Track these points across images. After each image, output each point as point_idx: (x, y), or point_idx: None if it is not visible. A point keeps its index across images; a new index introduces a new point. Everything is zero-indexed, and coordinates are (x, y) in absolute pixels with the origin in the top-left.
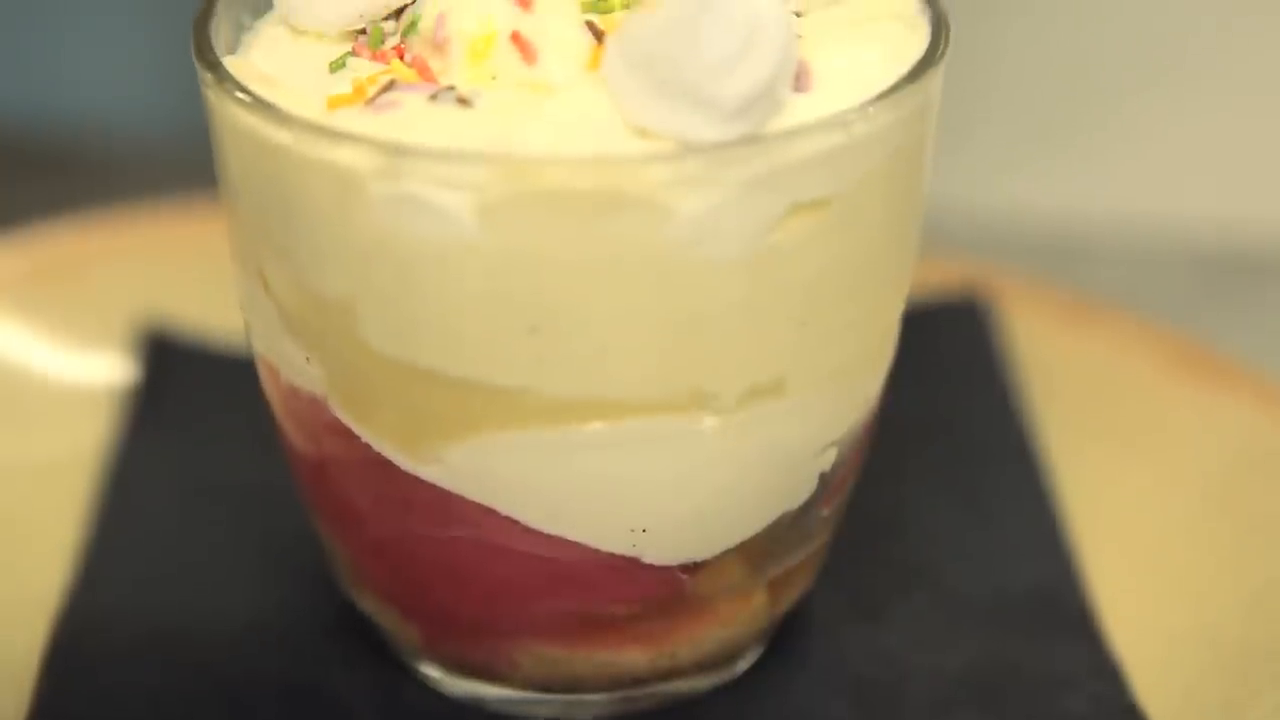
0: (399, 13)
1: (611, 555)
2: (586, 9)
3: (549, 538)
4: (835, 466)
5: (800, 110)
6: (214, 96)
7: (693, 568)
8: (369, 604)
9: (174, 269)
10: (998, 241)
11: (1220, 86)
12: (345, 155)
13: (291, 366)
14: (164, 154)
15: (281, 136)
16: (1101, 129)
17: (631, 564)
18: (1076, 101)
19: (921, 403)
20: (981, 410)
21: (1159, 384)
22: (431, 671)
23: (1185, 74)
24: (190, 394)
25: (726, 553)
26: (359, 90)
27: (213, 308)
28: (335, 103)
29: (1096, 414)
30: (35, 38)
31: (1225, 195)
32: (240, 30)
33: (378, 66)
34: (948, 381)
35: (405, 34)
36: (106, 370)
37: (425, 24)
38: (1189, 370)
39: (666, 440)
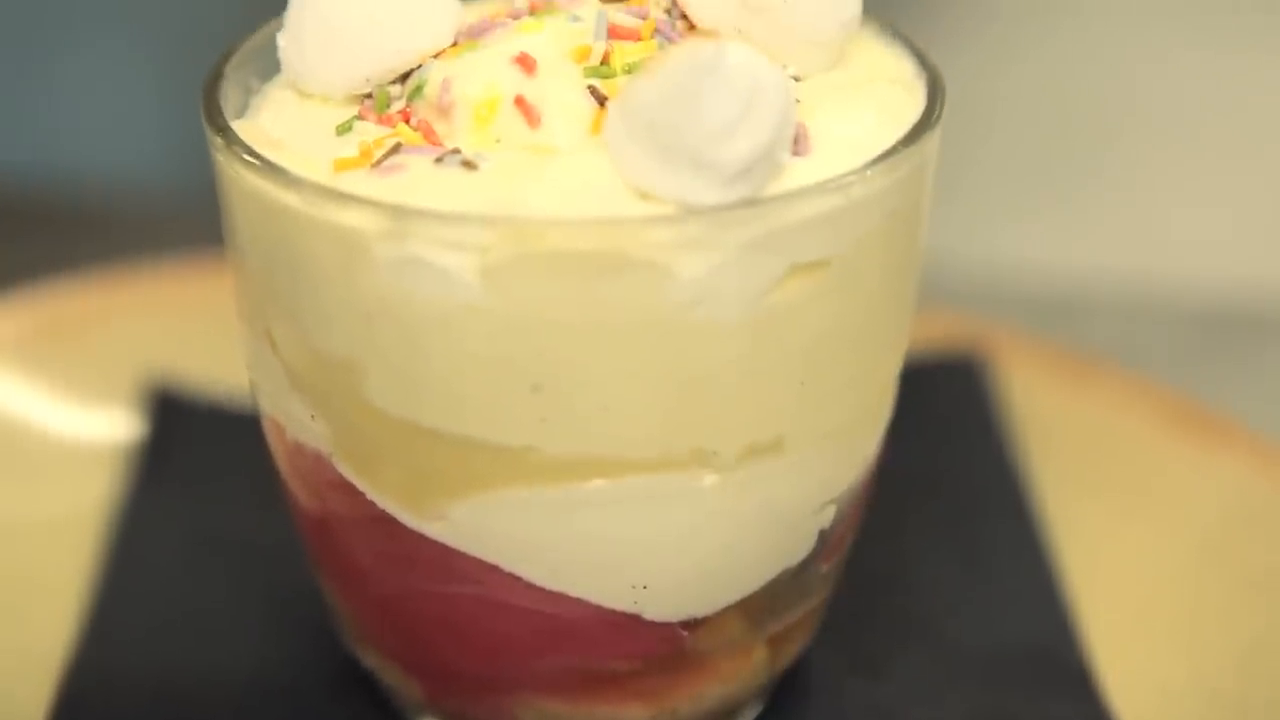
0: (405, 77)
1: (613, 612)
2: (589, 74)
3: (551, 594)
4: (834, 523)
5: (799, 173)
6: (223, 159)
7: (693, 624)
8: (372, 659)
9: (179, 325)
10: (995, 296)
11: (1218, 145)
12: (351, 217)
13: (297, 424)
14: (168, 211)
15: (289, 199)
16: (1099, 186)
17: (633, 620)
18: (1074, 158)
19: (920, 459)
20: (979, 466)
21: (1154, 440)
22: None
23: (1182, 132)
24: (195, 450)
25: (727, 609)
26: (365, 153)
27: (217, 363)
28: (342, 165)
29: (1092, 469)
30: (40, 95)
31: (1221, 252)
32: (248, 93)
33: (384, 130)
34: (945, 438)
35: (411, 98)
36: (113, 426)
37: (430, 88)
38: (1184, 427)
39: (667, 498)
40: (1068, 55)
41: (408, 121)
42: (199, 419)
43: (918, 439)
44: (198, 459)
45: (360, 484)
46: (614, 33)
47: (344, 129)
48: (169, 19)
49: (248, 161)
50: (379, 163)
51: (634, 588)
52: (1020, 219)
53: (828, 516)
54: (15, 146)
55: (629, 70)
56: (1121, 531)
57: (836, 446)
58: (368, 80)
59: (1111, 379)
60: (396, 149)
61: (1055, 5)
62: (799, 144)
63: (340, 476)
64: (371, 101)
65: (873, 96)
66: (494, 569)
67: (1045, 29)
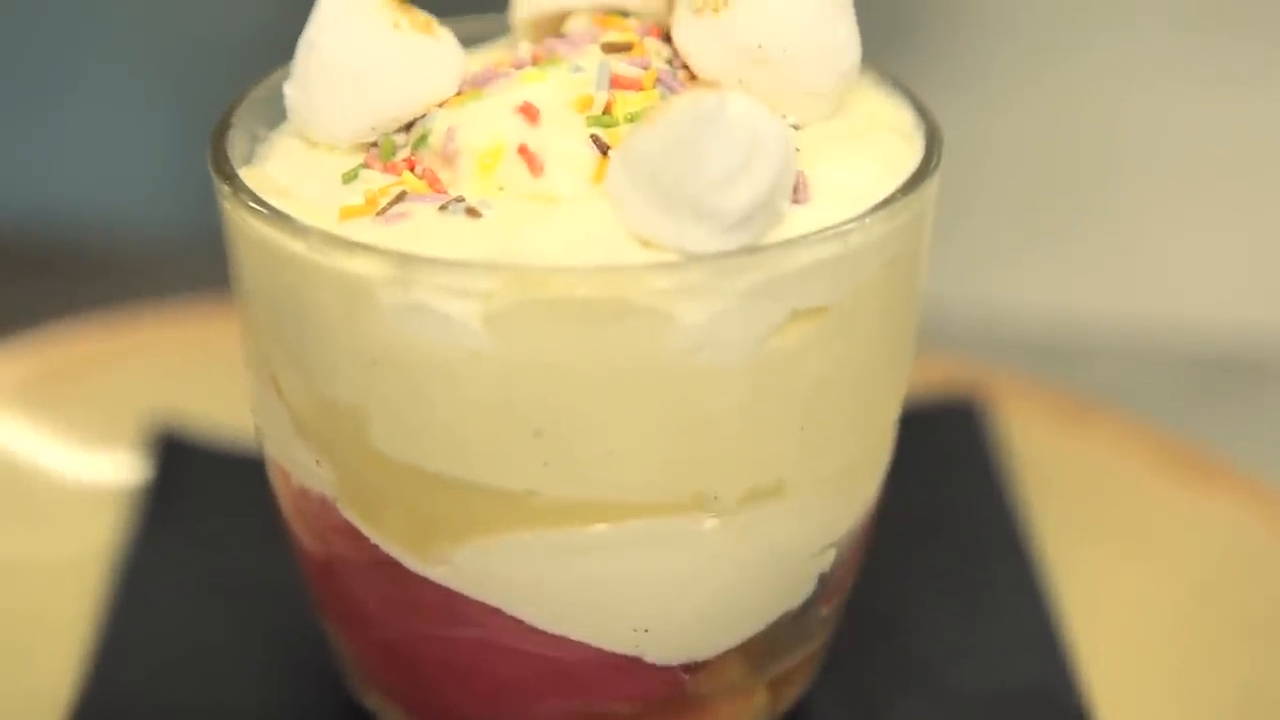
0: (409, 126)
1: (615, 655)
2: (592, 123)
3: (553, 637)
4: (834, 566)
5: (799, 221)
6: (230, 207)
7: (694, 667)
8: (374, 702)
9: (184, 368)
10: (993, 339)
11: (1215, 187)
12: (357, 264)
13: (302, 468)
14: (172, 253)
15: (295, 246)
16: (1097, 229)
17: (634, 663)
18: (1072, 201)
19: (919, 503)
20: (978, 509)
21: (1152, 484)
22: None
23: (1180, 175)
24: (200, 493)
25: (728, 652)
26: (371, 201)
27: (222, 406)
28: (348, 213)
29: (1091, 513)
30: (45, 138)
31: (1218, 296)
32: (254, 141)
33: (389, 178)
34: (945, 481)
35: (416, 147)
36: (118, 469)
37: (435, 137)
38: (1181, 471)
39: (668, 541)
40: (1064, 99)
41: (413, 169)
42: (203, 462)
43: (917, 482)
44: (202, 502)
45: (364, 528)
46: (616, 83)
47: (350, 177)
48: (173, 62)
49: (255, 209)
50: (384, 210)
51: (635, 631)
52: (1018, 263)
53: (828, 560)
54: (20, 190)
55: (631, 120)
56: (1120, 575)
57: (836, 490)
58: (373, 129)
59: (1109, 423)
60: (401, 197)
61: (1051, 50)
62: (799, 192)
63: (344, 521)
64: (377, 150)
65: (872, 145)
66: (496, 612)
67: (1041, 73)
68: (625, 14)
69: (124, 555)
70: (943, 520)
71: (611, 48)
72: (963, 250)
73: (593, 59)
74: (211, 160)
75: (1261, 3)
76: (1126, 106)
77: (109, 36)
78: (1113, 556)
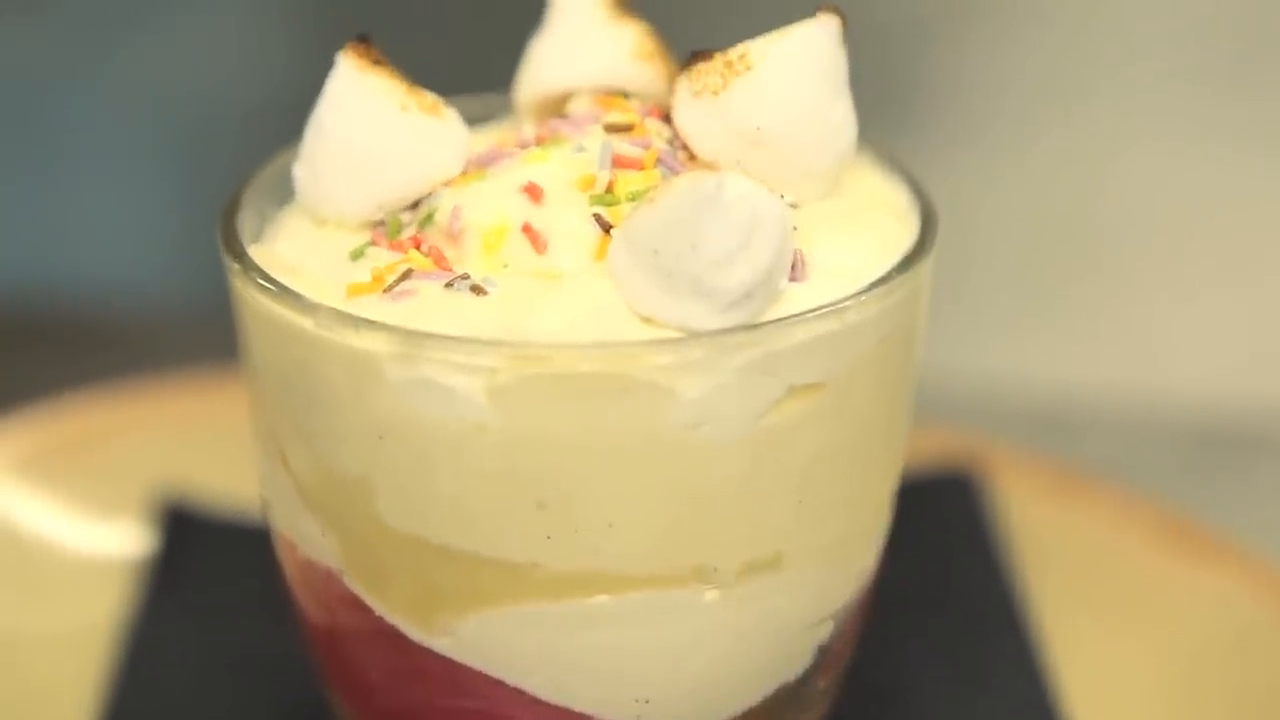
0: (416, 204)
1: None
2: (594, 202)
3: (555, 708)
4: (832, 639)
5: (796, 299)
6: (240, 285)
7: None
8: None
9: (189, 440)
10: (989, 410)
11: (1214, 258)
12: (364, 341)
13: (307, 540)
14: (176, 325)
15: (304, 323)
16: (1093, 300)
17: None
18: (1069, 272)
19: (917, 575)
20: (976, 582)
21: (1148, 557)
22: None
23: (1176, 245)
24: (205, 565)
25: None
26: (377, 278)
27: (227, 478)
28: (355, 290)
29: (1088, 586)
30: (52, 210)
31: (1216, 368)
32: (263, 219)
33: (396, 255)
34: (943, 554)
35: (422, 225)
36: (123, 541)
37: (441, 215)
38: (1177, 544)
39: (669, 613)
40: (1058, 171)
41: (419, 247)
42: (208, 534)
43: (915, 555)
44: (207, 574)
45: (369, 599)
46: (618, 162)
47: (357, 254)
48: (178, 133)
49: (264, 287)
50: (391, 288)
51: (636, 701)
52: (1015, 334)
53: (826, 632)
54: (26, 261)
55: (632, 199)
56: (1117, 648)
57: (834, 563)
58: (380, 208)
59: (1106, 495)
60: (408, 274)
61: (1045, 122)
62: (796, 270)
63: (349, 592)
64: (384, 228)
65: (868, 225)
66: (499, 684)
67: (1035, 143)
68: (626, 95)
69: (129, 627)
70: (940, 593)
71: (613, 128)
72: (959, 322)
73: (595, 139)
74: (222, 239)
75: (1256, 69)
76: (1121, 177)
77: (115, 108)
78: (1110, 629)
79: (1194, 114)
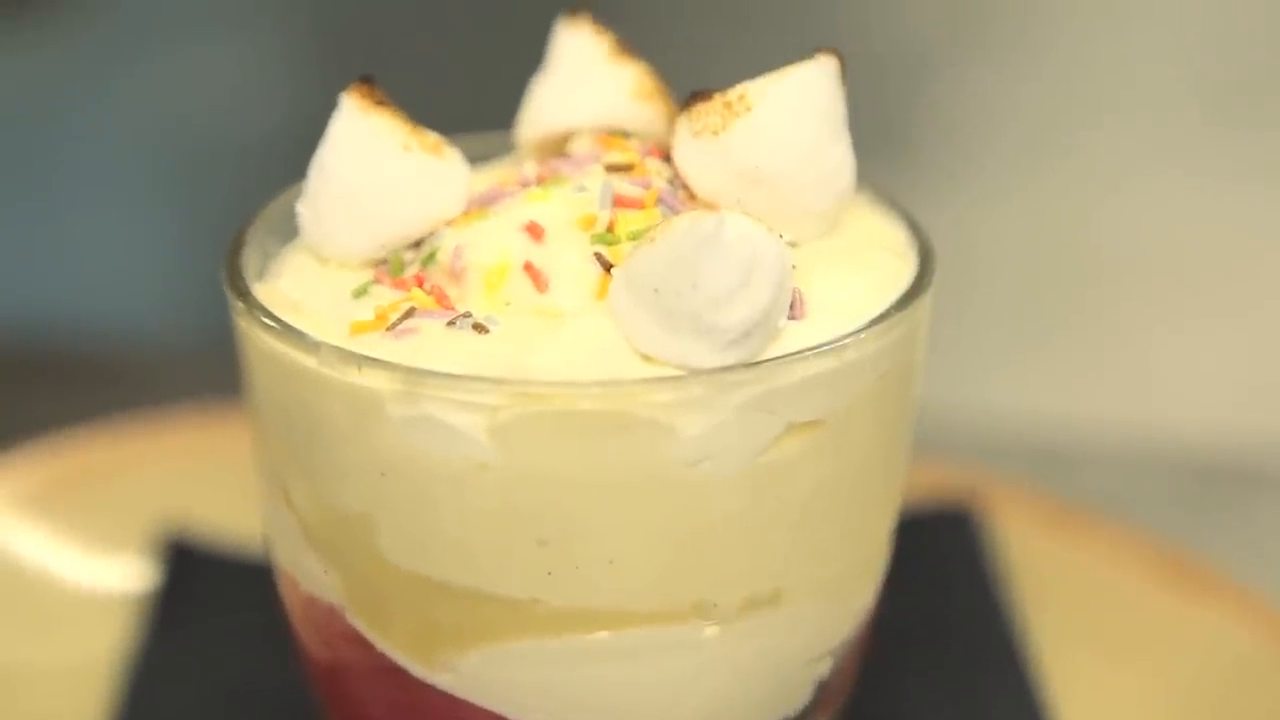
0: (418, 243)
1: None
2: (595, 241)
3: None
4: (832, 674)
5: (795, 337)
6: (243, 323)
7: None
8: None
9: (192, 475)
10: (988, 445)
11: (1210, 291)
12: (367, 379)
13: (310, 577)
14: (179, 359)
15: (307, 361)
16: (1091, 335)
17: None
18: (1066, 307)
19: (916, 611)
20: (975, 618)
21: (1146, 592)
22: None
23: (1172, 279)
24: (208, 600)
25: None
26: (380, 317)
27: (230, 513)
28: (358, 329)
29: (1085, 621)
30: (55, 246)
31: (1214, 401)
32: (266, 256)
33: (398, 294)
34: (942, 589)
35: (424, 263)
36: (126, 576)
37: (443, 254)
38: (1175, 579)
39: (669, 649)
40: (1055, 207)
41: (421, 286)
42: (211, 569)
43: (914, 590)
44: (210, 609)
45: (371, 636)
46: (618, 202)
47: (360, 293)
48: (180, 169)
49: (267, 325)
50: (394, 326)
51: None
52: (1013, 369)
53: (825, 668)
54: (29, 296)
55: (633, 238)
56: (1115, 683)
57: (833, 598)
58: (383, 246)
59: (1105, 531)
60: (410, 313)
61: (1041, 155)
62: (795, 308)
63: (351, 628)
64: (386, 266)
65: (866, 263)
66: (500, 719)
67: (1032, 179)
68: (627, 135)
69: (131, 661)
70: (939, 628)
71: (614, 168)
72: (958, 357)
73: (596, 178)
74: (226, 277)
75: (1253, 104)
76: (1117, 213)
77: (116, 144)
78: (1108, 664)
79: (1190, 150)
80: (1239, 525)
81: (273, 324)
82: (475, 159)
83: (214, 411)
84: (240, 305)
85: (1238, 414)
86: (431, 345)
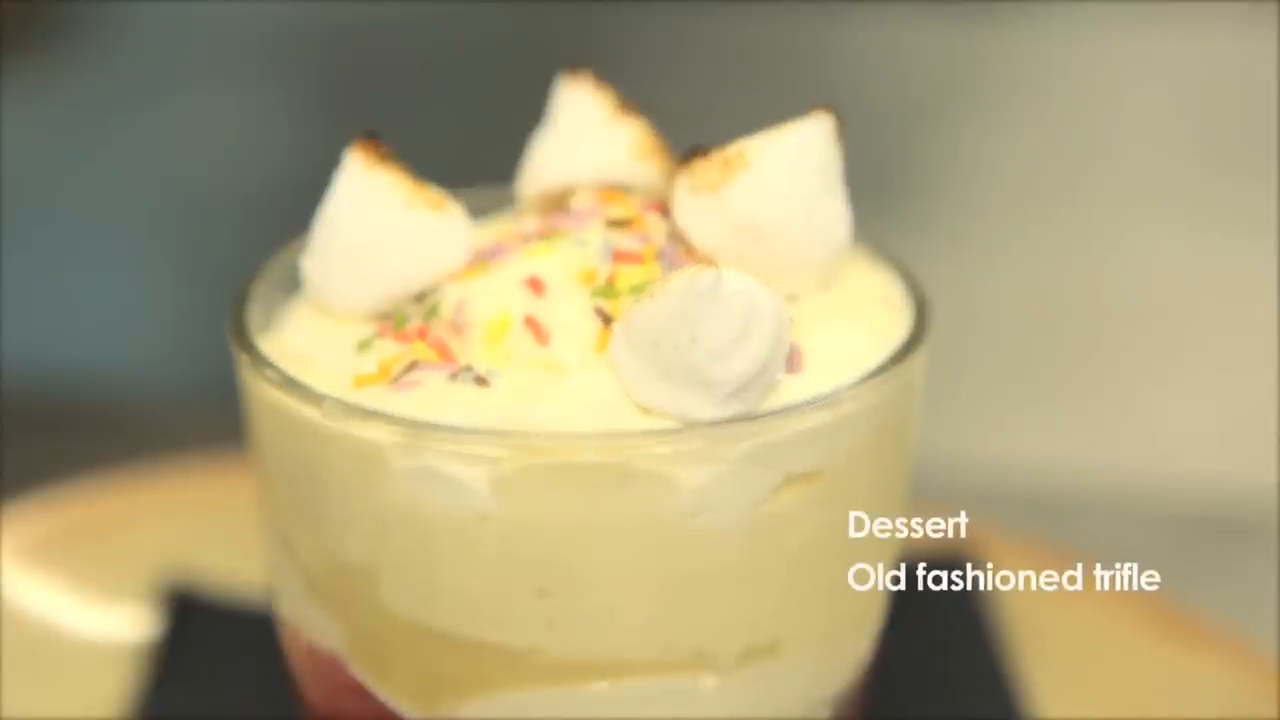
0: (421, 297)
1: None
2: (595, 295)
3: None
4: None
5: (792, 390)
6: (248, 376)
7: None
8: None
9: (196, 526)
10: (985, 495)
11: (1207, 342)
12: (370, 431)
13: (313, 627)
14: (183, 410)
15: (311, 413)
16: (1088, 385)
17: None
18: (1063, 357)
19: (913, 660)
20: (972, 667)
21: (1143, 643)
22: None
23: (1169, 329)
24: (211, 650)
25: None
26: (384, 369)
27: (233, 564)
28: (361, 381)
29: (1082, 670)
30: (57, 296)
31: (1209, 454)
32: (270, 310)
33: (401, 347)
34: (939, 639)
35: (427, 317)
36: (129, 626)
37: (446, 308)
38: (1172, 630)
39: (667, 699)
40: (1052, 257)
41: (424, 339)
42: (214, 619)
43: (912, 640)
44: (213, 659)
45: (373, 685)
46: (618, 256)
47: (363, 346)
48: (183, 220)
49: (271, 378)
50: (397, 379)
51: None
52: (1009, 419)
53: (824, 717)
54: (34, 348)
55: (632, 292)
56: None
57: (832, 648)
58: (386, 300)
59: (1100, 581)
60: (413, 366)
61: (1037, 208)
62: (792, 362)
63: (353, 679)
64: (390, 320)
65: (863, 316)
66: None
67: (1028, 231)
68: (627, 190)
69: (135, 711)
70: (937, 677)
71: (614, 223)
72: (955, 407)
73: (596, 233)
74: (231, 330)
75: (1246, 154)
76: (1113, 264)
77: (120, 196)
78: (1104, 714)
79: (1187, 201)
80: (1236, 576)
81: (277, 377)
82: (477, 213)
83: (217, 463)
84: (245, 358)
85: (1235, 466)
86: (434, 398)
